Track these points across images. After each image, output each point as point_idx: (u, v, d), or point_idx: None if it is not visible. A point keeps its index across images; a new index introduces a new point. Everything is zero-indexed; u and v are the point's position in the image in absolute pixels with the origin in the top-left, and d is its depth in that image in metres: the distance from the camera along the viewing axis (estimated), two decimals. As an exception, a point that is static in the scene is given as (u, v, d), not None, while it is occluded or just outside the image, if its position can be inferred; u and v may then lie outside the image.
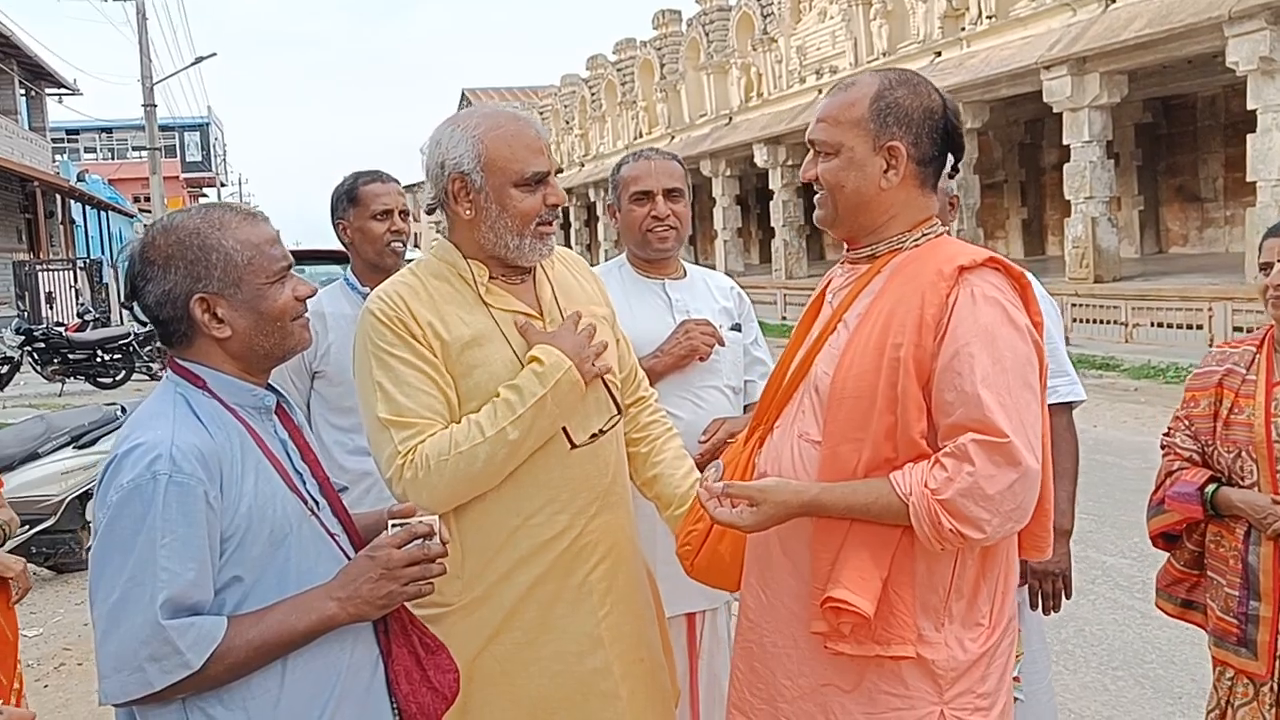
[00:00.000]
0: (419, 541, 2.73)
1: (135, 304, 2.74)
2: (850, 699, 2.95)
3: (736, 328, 4.65)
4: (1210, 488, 4.05)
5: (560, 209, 3.40)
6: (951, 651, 2.91)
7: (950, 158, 3.14)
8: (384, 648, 2.87)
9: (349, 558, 2.82)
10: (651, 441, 3.70)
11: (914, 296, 2.88)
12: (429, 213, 3.46)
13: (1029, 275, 3.05)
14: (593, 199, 53.17)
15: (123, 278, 2.76)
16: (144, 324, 2.78)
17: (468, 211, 3.33)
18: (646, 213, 4.44)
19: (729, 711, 3.27)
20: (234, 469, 2.62)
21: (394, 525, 2.77)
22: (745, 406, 4.60)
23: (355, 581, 2.70)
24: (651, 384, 4.13)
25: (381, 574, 2.70)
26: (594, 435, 3.35)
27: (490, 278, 3.37)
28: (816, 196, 3.15)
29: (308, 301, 2.83)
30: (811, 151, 3.14)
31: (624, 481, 3.57)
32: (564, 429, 3.29)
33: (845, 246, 3.22)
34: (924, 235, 3.06)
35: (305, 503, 2.76)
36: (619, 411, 3.47)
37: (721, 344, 4.42)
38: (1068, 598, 4.45)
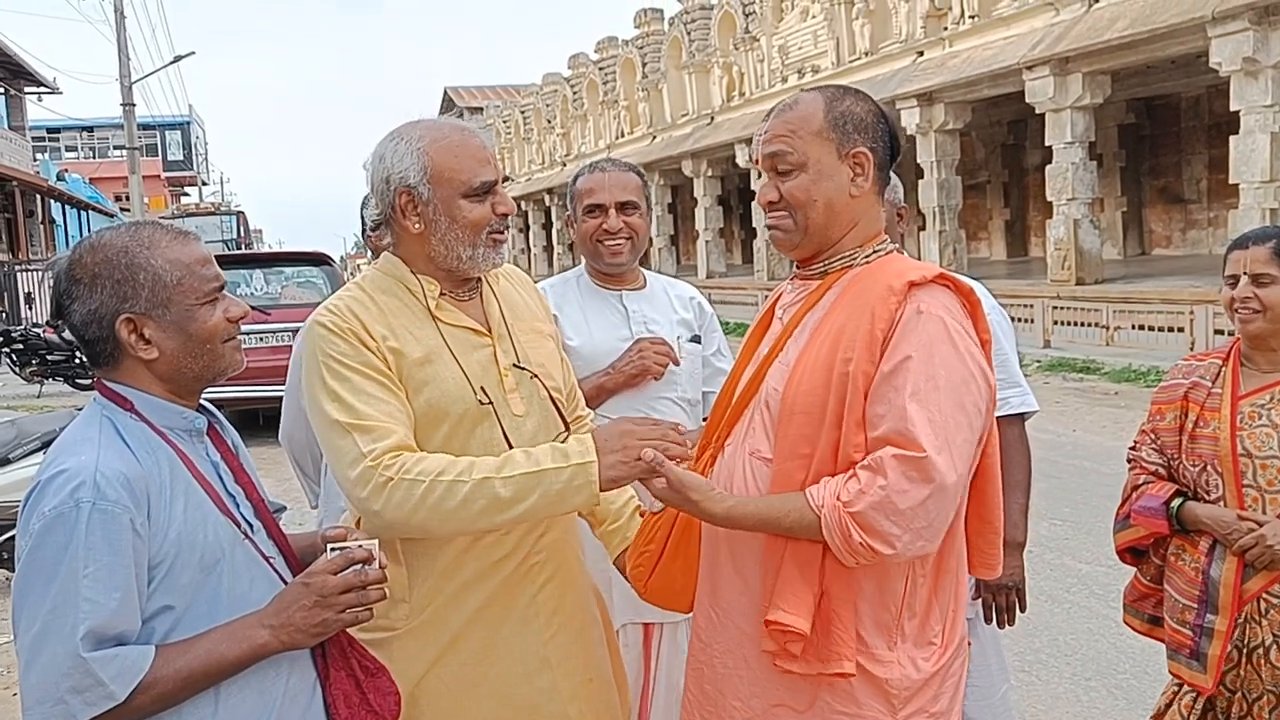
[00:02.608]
0: (356, 567, 2.67)
1: (61, 322, 2.67)
2: (803, 719, 2.92)
3: (696, 339, 4.62)
4: (1175, 502, 4.02)
5: (509, 218, 3.34)
6: (905, 670, 2.89)
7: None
8: (321, 671, 2.82)
9: (285, 581, 2.76)
10: None
11: (864, 312, 2.87)
12: (374, 229, 3.39)
13: (979, 287, 3.03)
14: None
15: (48, 295, 2.70)
16: (70, 342, 2.71)
17: (417, 225, 3.25)
18: (598, 225, 4.40)
19: None
20: (162, 494, 2.55)
21: (331, 550, 2.70)
22: (705, 419, 4.53)
23: (289, 609, 2.64)
24: (603, 400, 4.06)
25: (316, 601, 2.64)
26: None
27: (440, 293, 3.31)
28: (774, 216, 3.10)
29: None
30: (770, 174, 3.09)
31: None
32: (508, 442, 3.22)
33: (796, 264, 3.18)
34: (875, 252, 3.05)
35: (238, 526, 2.70)
36: (566, 430, 3.41)
37: (676, 364, 4.38)
38: (1022, 610, 4.41)
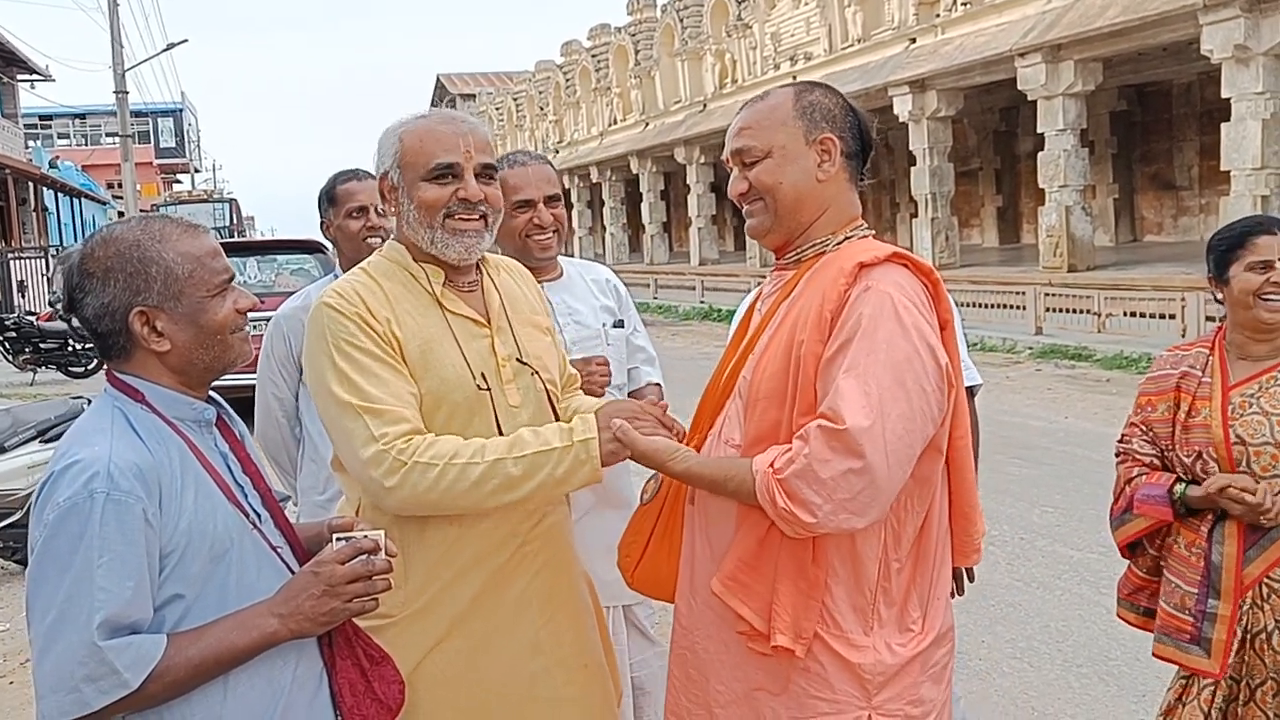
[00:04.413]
0: (363, 557, 2.71)
1: (73, 316, 2.71)
2: (779, 702, 2.98)
3: (619, 324, 4.69)
4: (1179, 488, 3.99)
5: (480, 205, 3.33)
6: (879, 655, 2.93)
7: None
8: (328, 660, 2.86)
9: (292, 571, 2.80)
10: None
11: (817, 294, 2.93)
12: (381, 215, 3.46)
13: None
14: (567, 186, 53.04)
15: (60, 288, 2.74)
16: (82, 336, 2.74)
17: (393, 209, 3.36)
18: (528, 220, 4.42)
19: (665, 718, 3.31)
20: (173, 484, 2.59)
21: (338, 539, 2.74)
22: (630, 393, 4.74)
23: (297, 598, 2.67)
24: None
25: (324, 590, 2.67)
26: None
27: (444, 281, 3.35)
28: (748, 208, 3.19)
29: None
30: (737, 168, 3.17)
31: None
32: (501, 432, 3.25)
33: (775, 255, 3.24)
34: (846, 238, 3.10)
35: (247, 516, 2.74)
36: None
37: (609, 383, 4.39)
38: (970, 580, 4.40)
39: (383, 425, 3.05)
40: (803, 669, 2.93)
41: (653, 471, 3.31)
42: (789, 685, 2.95)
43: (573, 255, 4.79)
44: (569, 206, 53.61)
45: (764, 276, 3.30)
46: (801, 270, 3.10)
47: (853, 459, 2.69)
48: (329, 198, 5.12)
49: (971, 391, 4.42)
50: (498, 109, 66.90)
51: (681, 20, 42.85)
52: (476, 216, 3.33)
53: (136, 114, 55.85)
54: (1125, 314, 21.76)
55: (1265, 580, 3.91)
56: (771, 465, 2.78)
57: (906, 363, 2.79)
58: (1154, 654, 4.16)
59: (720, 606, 3.03)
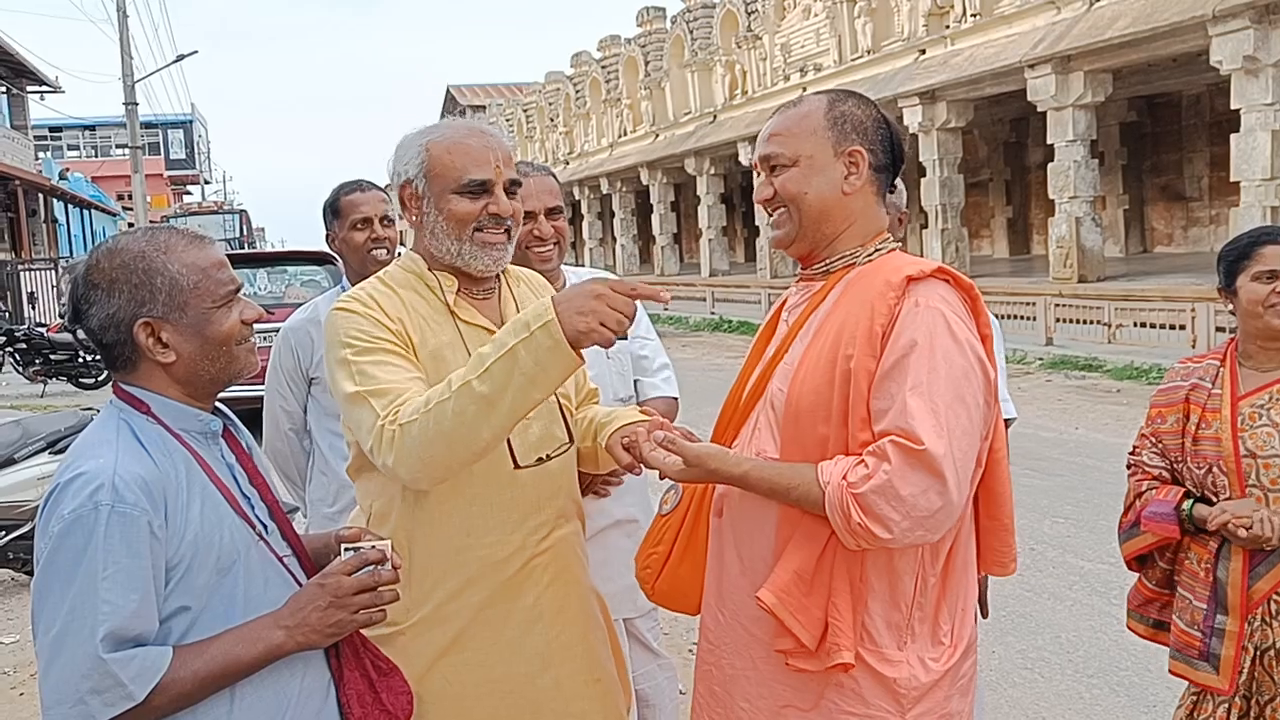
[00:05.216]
0: (370, 568, 2.70)
1: (79, 327, 2.70)
2: (809, 719, 2.94)
3: (622, 336, 4.60)
4: (1187, 504, 3.99)
5: (507, 220, 3.32)
6: (914, 670, 2.90)
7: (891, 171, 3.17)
8: (335, 671, 2.84)
9: (299, 582, 2.79)
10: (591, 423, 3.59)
11: (863, 308, 2.89)
12: (392, 222, 3.43)
13: None
14: (577, 197, 53.12)
15: (66, 299, 2.72)
16: (88, 347, 2.74)
17: (415, 218, 3.33)
18: (529, 232, 4.34)
19: None
20: (179, 497, 2.57)
21: (345, 550, 2.73)
22: (641, 402, 4.63)
23: (304, 610, 2.66)
24: None
25: (331, 602, 2.66)
26: (540, 460, 3.30)
27: (458, 291, 3.34)
28: (773, 217, 3.14)
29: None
30: (764, 173, 3.13)
31: (575, 500, 3.52)
32: (510, 447, 3.22)
33: (799, 265, 3.20)
34: (876, 250, 3.08)
35: (253, 528, 2.72)
36: (570, 441, 3.42)
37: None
38: (984, 616, 4.32)
39: (389, 404, 3.00)
40: (836, 685, 2.90)
41: (669, 483, 3.29)
42: (820, 701, 2.93)
43: (584, 266, 4.69)
44: (579, 218, 53.64)
45: (774, 288, 3.26)
46: (831, 281, 3.08)
47: (934, 478, 2.69)
48: (333, 210, 5.12)
49: (1005, 424, 4.41)
50: (508, 120, 66.95)
51: (691, 31, 42.93)
52: (503, 230, 3.33)
53: (146, 125, 55.93)
54: (1136, 325, 21.71)
55: (1274, 597, 3.89)
56: (845, 479, 2.75)
57: (964, 378, 2.80)
58: (1170, 671, 4.14)
59: (753, 621, 3.01)
